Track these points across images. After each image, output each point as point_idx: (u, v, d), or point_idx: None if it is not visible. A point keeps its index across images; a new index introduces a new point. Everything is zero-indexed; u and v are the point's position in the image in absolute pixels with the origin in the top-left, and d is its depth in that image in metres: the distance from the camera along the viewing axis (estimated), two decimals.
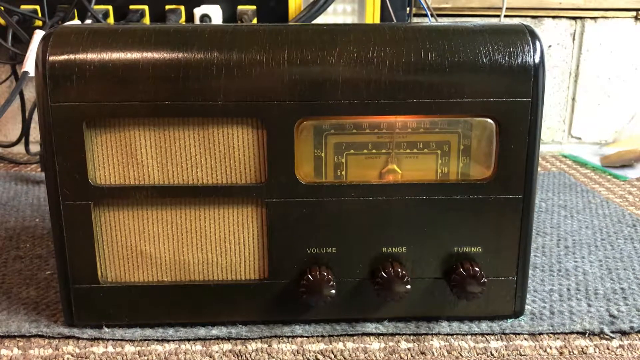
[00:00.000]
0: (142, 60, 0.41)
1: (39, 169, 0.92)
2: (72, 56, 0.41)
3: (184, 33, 0.42)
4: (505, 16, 0.99)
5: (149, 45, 0.41)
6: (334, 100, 0.41)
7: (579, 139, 1.11)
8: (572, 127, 1.10)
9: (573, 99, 1.09)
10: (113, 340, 0.44)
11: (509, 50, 0.42)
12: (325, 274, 0.43)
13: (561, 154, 1.08)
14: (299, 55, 0.41)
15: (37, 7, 0.93)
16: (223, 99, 0.41)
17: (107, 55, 0.41)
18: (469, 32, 0.42)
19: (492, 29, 0.43)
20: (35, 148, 0.94)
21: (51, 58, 0.41)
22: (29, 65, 0.80)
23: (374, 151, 0.44)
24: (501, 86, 0.42)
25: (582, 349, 0.43)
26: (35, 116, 0.93)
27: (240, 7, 0.94)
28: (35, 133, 1.01)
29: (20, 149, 1.00)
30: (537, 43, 0.42)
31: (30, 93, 1.04)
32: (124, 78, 0.41)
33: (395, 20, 0.90)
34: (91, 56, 0.41)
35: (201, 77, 0.41)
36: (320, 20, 0.90)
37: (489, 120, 0.43)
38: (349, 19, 0.94)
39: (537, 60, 0.42)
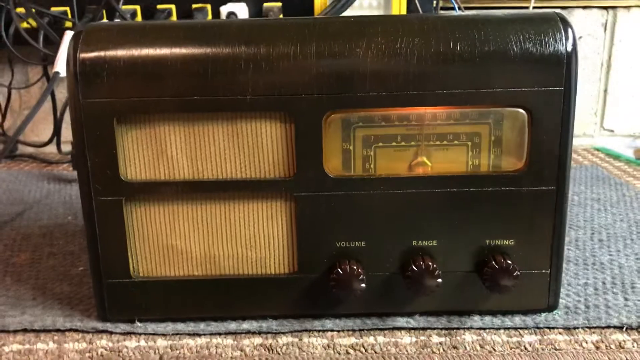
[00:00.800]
0: (171, 56, 0.41)
1: (71, 168, 0.94)
2: (102, 53, 0.41)
3: (212, 28, 0.42)
4: (534, 7, 0.97)
5: (177, 41, 0.41)
6: (362, 93, 0.41)
7: (612, 131, 1.08)
8: (604, 119, 1.08)
9: (605, 90, 1.06)
10: (145, 334, 0.45)
11: (540, 38, 0.41)
12: (355, 267, 0.43)
13: (593, 147, 1.05)
14: (326, 47, 0.41)
15: (67, 9, 0.94)
16: (251, 93, 0.41)
17: (136, 52, 0.41)
18: (499, 21, 0.42)
19: (523, 17, 0.42)
20: (66, 147, 0.96)
21: (82, 55, 0.41)
22: (60, 65, 0.82)
23: (402, 143, 0.43)
24: (533, 75, 0.41)
25: (620, 343, 0.42)
26: (66, 116, 0.95)
27: (266, 5, 0.94)
28: (66, 133, 1.03)
29: (51, 148, 1.01)
30: (569, 31, 0.41)
31: (61, 93, 1.05)
32: (153, 74, 0.41)
33: (421, 13, 0.89)
34: (121, 53, 0.41)
35: (229, 71, 0.41)
36: (346, 15, 0.90)
37: (521, 110, 0.42)
38: (375, 13, 0.94)
39: (569, 48, 0.41)
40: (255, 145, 0.43)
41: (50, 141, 0.99)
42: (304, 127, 0.42)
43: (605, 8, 1.02)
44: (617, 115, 1.07)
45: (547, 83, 0.41)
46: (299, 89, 0.41)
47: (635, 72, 1.05)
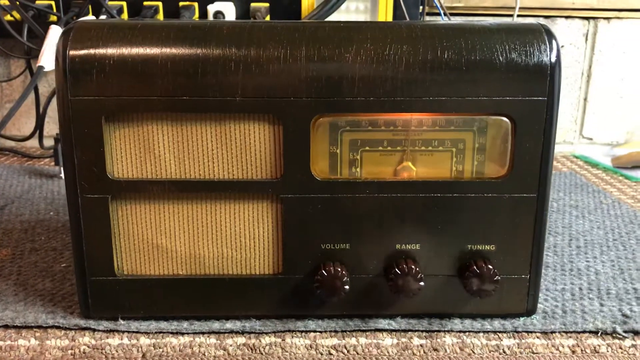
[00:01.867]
0: (161, 55, 0.41)
1: (53, 163, 0.93)
2: (92, 51, 0.41)
3: (203, 29, 0.42)
4: (518, 16, 0.99)
5: (167, 40, 0.41)
6: (350, 97, 0.42)
7: (591, 139, 1.10)
8: (583, 127, 1.10)
9: (585, 99, 1.08)
10: (128, 332, 0.45)
11: (525, 49, 0.42)
12: (339, 269, 0.44)
13: (572, 154, 1.07)
14: (316, 52, 0.41)
15: (52, 2, 0.93)
16: (240, 94, 0.41)
17: (126, 50, 0.41)
18: (486, 30, 0.43)
19: (509, 27, 0.43)
20: (48, 142, 0.95)
21: (71, 52, 0.41)
22: (44, 60, 0.81)
23: (389, 148, 0.44)
24: (517, 85, 0.42)
25: (595, 347, 0.43)
26: (49, 111, 0.94)
27: (253, 5, 0.94)
28: (48, 127, 1.02)
29: (33, 143, 1.00)
30: (554, 42, 0.42)
31: (44, 88, 1.04)
32: (143, 73, 0.41)
33: (408, 19, 0.90)
34: (111, 51, 0.41)
35: (219, 73, 0.41)
36: (333, 18, 0.90)
37: (505, 118, 0.43)
38: (362, 17, 0.95)
39: (553, 59, 0.42)
40: (243, 147, 0.43)
41: (32, 135, 0.99)
42: (292, 130, 0.42)
43: (587, 19, 1.04)
44: (596, 124, 1.10)
45: (531, 93, 0.42)
46: (288, 92, 0.42)
47: (614, 82, 1.07)
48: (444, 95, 0.42)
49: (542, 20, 1.02)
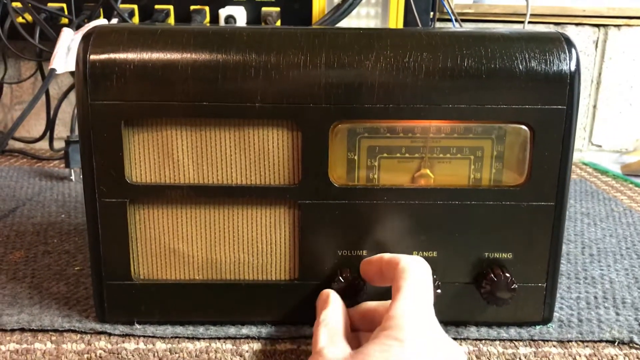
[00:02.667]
0: (181, 61, 0.41)
1: (63, 165, 0.93)
2: (112, 55, 0.41)
3: (223, 35, 0.42)
4: (529, 22, 0.99)
5: (188, 46, 0.42)
6: (369, 104, 0.42)
7: (599, 146, 1.10)
8: (592, 135, 1.10)
9: (594, 106, 1.08)
10: (144, 337, 0.45)
11: (545, 57, 0.42)
12: (356, 276, 0.44)
13: (581, 161, 1.07)
14: (335, 58, 0.42)
15: (64, 5, 0.94)
16: (260, 100, 0.41)
17: (146, 56, 0.41)
18: (506, 38, 0.43)
19: (529, 36, 0.43)
20: (59, 145, 0.95)
21: (92, 57, 0.41)
22: (56, 62, 0.81)
23: (407, 155, 0.44)
24: (537, 93, 0.42)
25: (612, 357, 0.43)
26: (59, 113, 0.94)
27: (264, 9, 0.94)
28: (58, 130, 1.02)
29: (42, 145, 1.01)
30: (573, 51, 0.42)
31: (54, 90, 1.05)
32: (163, 78, 0.41)
33: (419, 25, 0.90)
34: (131, 56, 0.41)
35: (239, 79, 0.41)
36: (344, 23, 0.91)
37: (524, 127, 0.43)
38: (372, 23, 0.95)
39: (572, 68, 0.42)
40: (262, 152, 0.43)
41: (41, 137, 0.99)
42: (311, 136, 0.42)
43: (597, 26, 1.04)
44: (606, 131, 1.09)
45: (550, 101, 0.42)
46: (307, 98, 0.42)
47: (624, 90, 1.07)
48: (463, 102, 0.42)
49: (552, 27, 1.02)
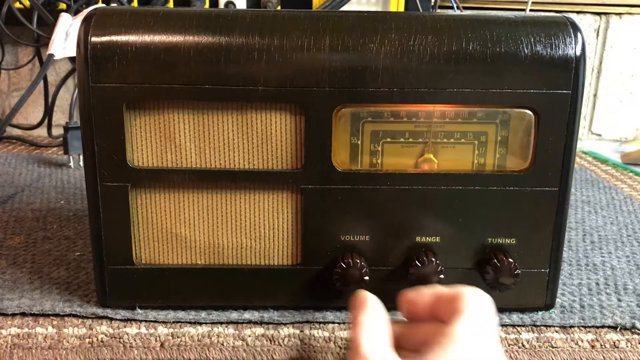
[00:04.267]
0: (184, 43, 0.41)
1: (61, 152, 0.92)
2: (114, 37, 0.41)
3: (226, 17, 0.42)
4: (530, 10, 0.99)
5: (190, 28, 0.41)
6: (373, 88, 0.41)
7: (599, 135, 1.10)
8: (592, 123, 1.10)
9: (595, 95, 1.08)
10: (146, 321, 0.45)
11: (550, 41, 0.42)
12: (358, 261, 0.44)
13: (581, 150, 1.07)
14: (340, 42, 0.41)
15: None
16: (263, 84, 0.41)
17: (148, 38, 0.41)
18: (511, 22, 0.42)
19: (534, 20, 0.43)
20: (57, 131, 0.94)
21: (93, 39, 0.41)
22: (54, 47, 0.80)
23: (410, 140, 0.44)
24: (542, 78, 0.42)
25: (614, 342, 0.43)
26: (57, 100, 0.94)
27: None
28: (56, 116, 1.02)
29: (40, 131, 1.00)
30: (579, 35, 0.42)
31: (52, 77, 1.04)
32: (165, 61, 0.41)
33: (420, 10, 0.90)
34: (133, 38, 0.41)
35: (242, 62, 0.41)
36: (345, 9, 0.90)
37: (528, 111, 0.43)
38: (373, 9, 0.94)
39: (578, 52, 0.42)
40: (265, 137, 0.43)
41: (40, 124, 0.98)
42: (315, 120, 0.42)
43: (599, 14, 1.04)
44: (606, 120, 1.09)
45: (555, 86, 0.42)
46: (310, 82, 0.41)
47: (624, 78, 1.07)
48: (467, 87, 0.41)
49: None
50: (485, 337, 0.34)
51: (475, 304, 0.35)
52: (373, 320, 0.36)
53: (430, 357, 0.32)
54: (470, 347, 0.33)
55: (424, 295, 0.38)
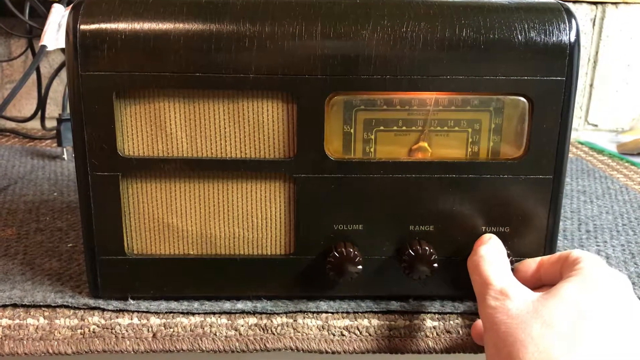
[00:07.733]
0: (174, 30, 0.40)
1: (55, 144, 0.92)
2: (103, 25, 0.40)
3: (216, 4, 0.41)
4: None
5: (180, 16, 0.41)
6: (366, 75, 0.41)
7: (596, 125, 1.10)
8: (589, 114, 1.09)
9: (591, 85, 1.08)
10: (138, 312, 0.44)
11: (544, 28, 0.41)
12: (352, 250, 0.43)
13: (577, 140, 1.07)
14: (332, 28, 0.41)
15: None
16: (254, 71, 0.41)
17: (138, 25, 0.40)
18: (505, 8, 0.42)
19: (528, 6, 0.42)
20: (51, 124, 0.94)
21: (82, 27, 0.40)
22: (47, 39, 0.80)
23: (404, 128, 0.43)
24: (536, 64, 0.41)
25: None
26: (50, 92, 0.93)
27: None
28: (50, 109, 1.01)
29: (33, 124, 0.99)
30: (573, 21, 0.42)
31: (44, 68, 1.03)
32: (155, 49, 0.40)
33: None
34: (122, 26, 0.40)
35: (233, 49, 0.40)
36: None
37: (522, 98, 0.42)
38: None
39: (572, 39, 0.41)
40: (256, 125, 0.42)
41: (33, 116, 0.97)
42: (307, 108, 0.42)
43: (595, 3, 1.03)
44: (602, 110, 1.09)
45: (549, 72, 0.41)
46: (302, 69, 0.41)
47: (621, 68, 1.07)
48: (461, 74, 0.41)
49: None
50: (612, 272, 0.36)
51: (590, 255, 0.38)
52: (496, 253, 0.41)
53: (565, 286, 0.34)
54: (604, 276, 0.35)
55: (529, 263, 0.42)
